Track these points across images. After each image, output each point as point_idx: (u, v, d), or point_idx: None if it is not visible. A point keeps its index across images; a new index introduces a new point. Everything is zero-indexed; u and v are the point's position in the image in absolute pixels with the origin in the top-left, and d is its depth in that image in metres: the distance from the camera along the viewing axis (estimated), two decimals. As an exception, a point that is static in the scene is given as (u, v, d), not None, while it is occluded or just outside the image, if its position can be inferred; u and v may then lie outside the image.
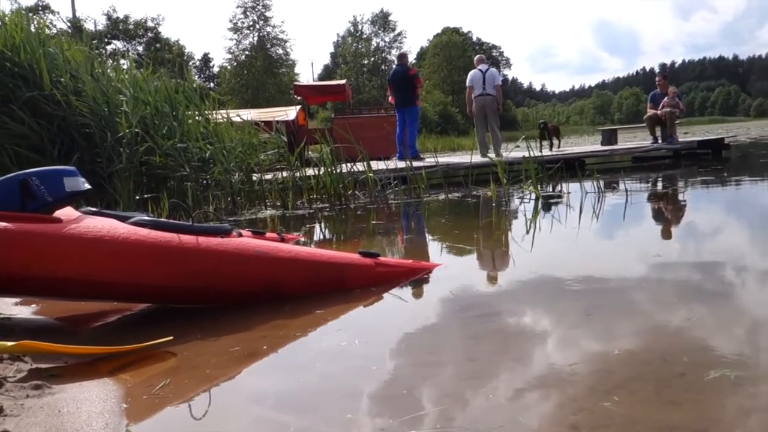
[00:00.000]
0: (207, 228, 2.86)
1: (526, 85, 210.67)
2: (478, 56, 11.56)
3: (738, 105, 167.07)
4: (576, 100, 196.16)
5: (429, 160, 11.26)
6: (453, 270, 3.37)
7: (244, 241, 2.85)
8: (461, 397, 1.73)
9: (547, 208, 6.01)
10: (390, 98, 11.74)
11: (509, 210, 6.17)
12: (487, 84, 10.92)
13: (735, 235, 4.13)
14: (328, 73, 79.78)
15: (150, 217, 2.87)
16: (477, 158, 9.97)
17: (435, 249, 4.35)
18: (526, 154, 9.32)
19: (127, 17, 53.98)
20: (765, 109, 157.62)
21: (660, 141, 11.92)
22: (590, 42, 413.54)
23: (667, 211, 5.63)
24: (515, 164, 9.30)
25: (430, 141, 36.15)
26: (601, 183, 6.80)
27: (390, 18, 68.53)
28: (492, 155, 10.37)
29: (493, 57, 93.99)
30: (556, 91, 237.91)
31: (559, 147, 11.73)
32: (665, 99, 11.79)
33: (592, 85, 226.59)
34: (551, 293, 2.82)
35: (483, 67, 11.07)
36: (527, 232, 4.68)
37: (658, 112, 11.76)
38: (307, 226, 5.85)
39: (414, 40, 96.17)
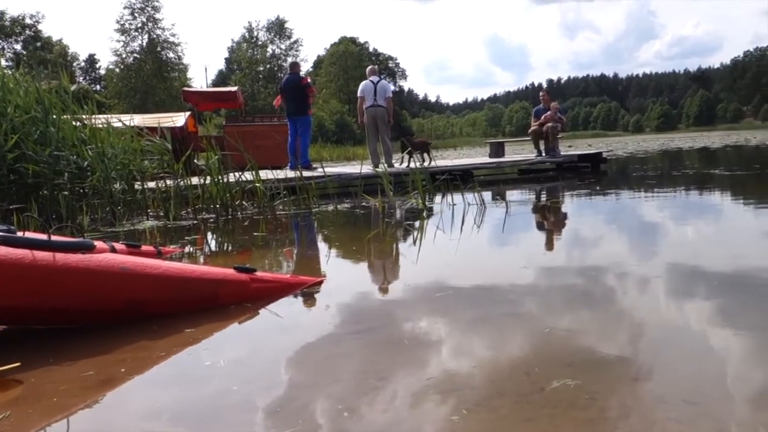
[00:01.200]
0: (66, 243, 2.68)
1: (421, 96, 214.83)
2: (370, 67, 11.61)
3: (618, 120, 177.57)
4: (469, 112, 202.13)
5: (321, 171, 11.22)
6: (332, 284, 3.33)
7: (108, 257, 2.69)
8: (314, 422, 1.69)
9: (431, 219, 6.10)
10: (276, 101, 11.59)
11: (395, 222, 6.22)
12: (379, 95, 10.99)
13: (606, 245, 4.33)
14: (222, 78, 78.28)
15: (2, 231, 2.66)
16: (368, 169, 10.02)
17: (317, 262, 4.29)
18: (419, 165, 9.51)
19: (2, 13, 50.73)
20: (642, 125, 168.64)
21: (543, 154, 12.43)
22: (483, 56, 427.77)
23: (545, 222, 5.87)
24: (404, 175, 9.43)
25: (326, 150, 36.16)
26: (485, 195, 7.00)
27: (286, 25, 67.95)
28: (383, 166, 10.47)
29: (390, 68, 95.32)
30: (451, 103, 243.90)
31: (430, 163, 11.35)
32: (548, 114, 12.32)
33: (485, 98, 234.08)
34: (425, 306, 2.84)
35: (374, 78, 11.13)
36: (410, 243, 4.74)
37: (543, 128, 12.29)
38: (189, 237, 5.63)
39: (311, 49, 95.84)
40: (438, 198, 8.12)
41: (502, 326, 2.51)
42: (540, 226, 5.72)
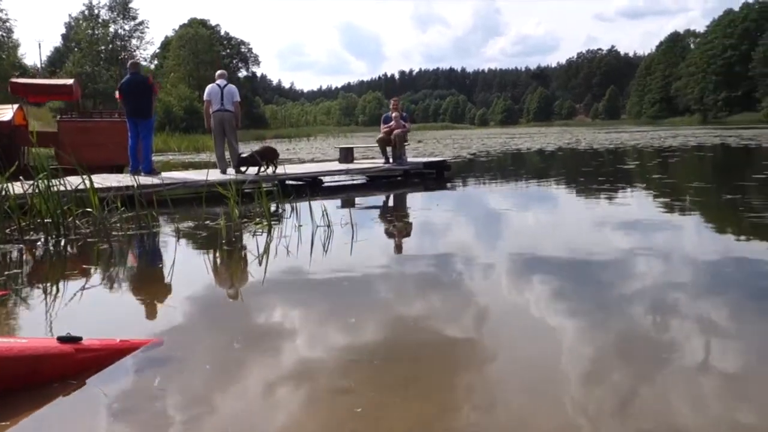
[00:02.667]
0: None
1: (275, 82, 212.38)
2: (219, 71, 11.35)
3: (465, 113, 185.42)
4: (323, 100, 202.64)
5: (166, 175, 10.80)
6: (166, 346, 3.20)
7: None
8: None
9: (278, 242, 6.05)
10: (117, 94, 10.94)
11: (239, 247, 6.12)
12: (225, 100, 10.79)
13: (446, 243, 4.55)
14: (59, 56, 72.72)
15: None
16: (215, 176, 9.77)
17: (150, 313, 4.00)
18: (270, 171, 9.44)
19: None
20: (487, 119, 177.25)
21: (391, 160, 12.75)
22: (338, 44, 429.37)
23: (391, 228, 6.07)
24: (251, 183, 9.31)
25: (174, 140, 34.75)
26: (335, 202, 7.03)
27: (130, 5, 63.97)
28: (231, 171, 10.37)
29: (242, 53, 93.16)
30: (305, 90, 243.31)
31: (275, 171, 10.86)
32: (392, 123, 12.73)
33: (339, 86, 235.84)
34: (273, 368, 2.83)
35: (222, 82, 10.86)
36: (255, 281, 4.68)
37: (391, 135, 12.62)
38: (8, 272, 5.10)
39: (158, 30, 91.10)
40: (288, 210, 8.05)
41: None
42: (390, 232, 5.91)
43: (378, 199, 10.36)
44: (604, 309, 3.77)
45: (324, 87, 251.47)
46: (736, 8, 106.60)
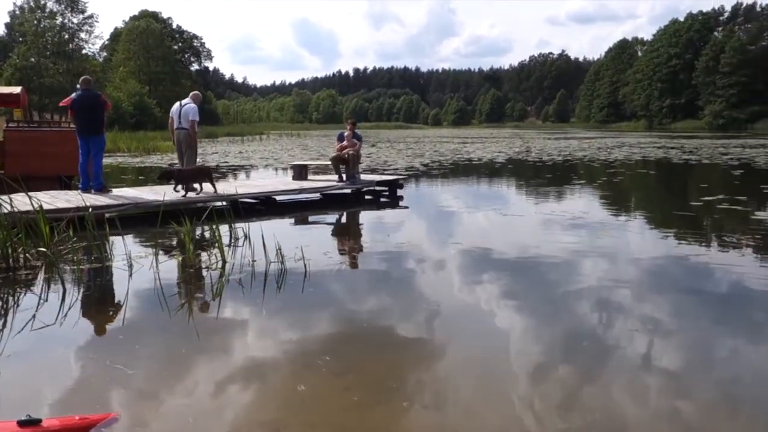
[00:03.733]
0: None
1: (228, 76, 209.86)
2: (193, 93, 12.03)
3: (419, 113, 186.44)
4: (277, 96, 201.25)
5: (117, 192, 10.70)
6: (122, 423, 3.27)
7: None
8: None
9: (233, 273, 6.12)
10: (65, 101, 10.84)
11: (192, 292, 6.12)
12: (183, 118, 11.40)
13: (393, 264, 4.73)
14: (3, 46, 70.45)
15: None
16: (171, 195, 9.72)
17: (102, 380, 3.85)
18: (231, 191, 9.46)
19: None
20: (440, 119, 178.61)
21: (345, 178, 12.90)
22: (292, 39, 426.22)
23: (347, 248, 6.22)
24: (204, 203, 9.31)
25: (123, 139, 34.11)
26: (288, 223, 7.09)
27: (79, -1, 61.86)
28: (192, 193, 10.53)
29: (194, 47, 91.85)
30: (258, 85, 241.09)
31: (215, 190, 10.74)
32: (344, 143, 12.96)
33: (293, 82, 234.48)
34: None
35: (185, 101, 11.56)
36: (212, 334, 4.71)
37: (344, 154, 12.77)
38: None
39: (107, 21, 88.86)
40: (242, 238, 8.05)
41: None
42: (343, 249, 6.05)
43: (331, 220, 10.61)
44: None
45: (278, 82, 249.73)
46: (681, 18, 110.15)
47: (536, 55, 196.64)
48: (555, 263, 6.91)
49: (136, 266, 6.67)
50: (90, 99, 10.56)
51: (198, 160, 12.46)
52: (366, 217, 11.07)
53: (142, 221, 9.57)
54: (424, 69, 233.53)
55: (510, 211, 11.35)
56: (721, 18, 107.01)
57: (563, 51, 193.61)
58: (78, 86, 10.79)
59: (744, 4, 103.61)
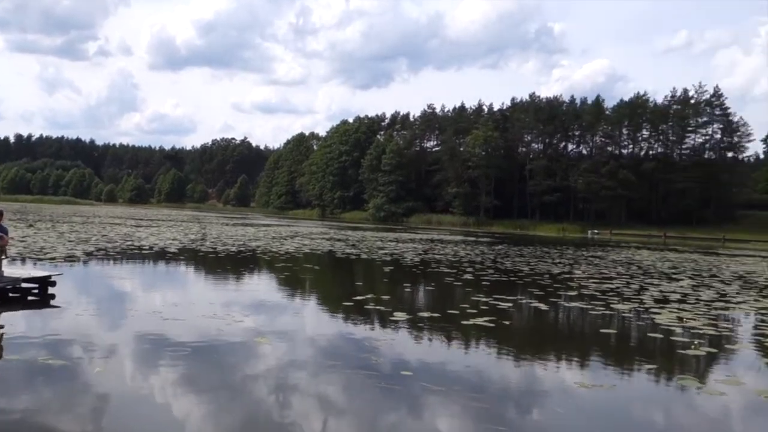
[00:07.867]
0: None
1: None
2: None
3: (91, 188, 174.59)
4: None
5: None
6: None
7: None
8: None
9: None
10: None
11: None
12: None
13: None
14: None
15: None
16: None
17: None
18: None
19: None
20: (115, 195, 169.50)
21: (-14, 277, 11.40)
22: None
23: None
24: None
25: None
26: None
27: None
28: None
29: None
30: None
31: None
32: (-5, 234, 11.55)
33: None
34: None
35: None
36: None
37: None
38: None
39: None
40: None
41: None
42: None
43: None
44: None
45: None
46: (351, 119, 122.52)
47: (219, 139, 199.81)
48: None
49: None
50: None
51: None
52: (8, 327, 9.76)
53: None
54: (100, 142, 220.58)
55: (170, 314, 11.07)
56: (383, 123, 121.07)
57: (245, 138, 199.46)
58: None
59: (401, 114, 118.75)
